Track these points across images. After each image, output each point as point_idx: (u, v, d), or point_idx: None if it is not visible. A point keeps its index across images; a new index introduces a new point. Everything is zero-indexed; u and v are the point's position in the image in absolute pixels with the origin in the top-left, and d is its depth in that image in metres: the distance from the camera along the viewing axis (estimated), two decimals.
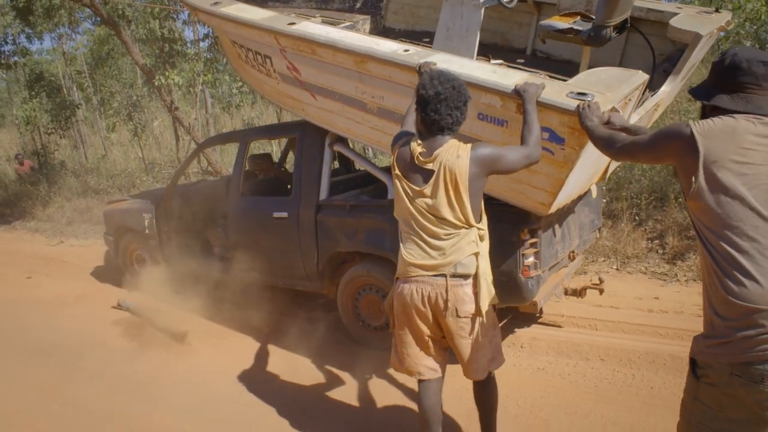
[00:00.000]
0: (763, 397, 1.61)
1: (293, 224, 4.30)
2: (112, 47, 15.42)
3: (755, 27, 7.10)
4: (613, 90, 2.64)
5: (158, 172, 11.54)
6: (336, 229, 4.10)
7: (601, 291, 4.30)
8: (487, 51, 4.35)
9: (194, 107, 13.20)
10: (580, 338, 4.06)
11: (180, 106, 11.06)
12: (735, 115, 1.71)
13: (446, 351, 2.67)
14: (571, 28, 3.36)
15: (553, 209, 3.15)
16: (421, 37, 4.67)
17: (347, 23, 4.94)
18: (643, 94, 3.10)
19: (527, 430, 3.11)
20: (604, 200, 5.43)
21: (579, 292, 4.26)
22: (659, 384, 3.43)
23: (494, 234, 2.70)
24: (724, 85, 1.80)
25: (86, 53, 17.05)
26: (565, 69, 3.82)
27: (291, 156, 5.59)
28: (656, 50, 3.59)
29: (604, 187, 5.08)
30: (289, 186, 5.04)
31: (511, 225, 3.33)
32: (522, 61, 4.36)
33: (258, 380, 3.91)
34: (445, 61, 2.97)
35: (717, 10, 3.82)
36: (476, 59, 3.47)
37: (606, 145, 2.17)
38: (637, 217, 5.96)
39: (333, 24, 4.39)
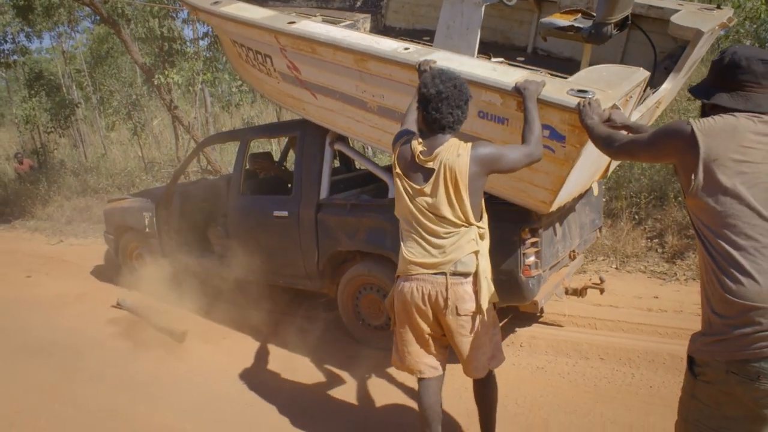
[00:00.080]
0: (760, 394, 1.62)
1: (294, 223, 4.30)
2: (111, 46, 15.41)
3: (755, 26, 7.10)
4: (614, 87, 2.63)
5: (158, 171, 11.54)
6: (336, 228, 4.10)
7: (602, 291, 4.30)
8: (487, 49, 4.35)
9: (194, 106, 13.20)
10: (579, 337, 4.06)
11: (179, 105, 11.06)
12: (735, 114, 1.71)
13: (446, 349, 2.67)
14: (572, 26, 3.37)
15: (554, 207, 3.15)
16: (422, 35, 4.67)
17: (347, 22, 4.94)
18: (644, 91, 3.10)
19: (526, 429, 3.12)
20: (604, 199, 5.42)
21: (580, 292, 4.27)
22: (658, 383, 3.44)
23: (495, 233, 2.71)
24: (724, 83, 1.80)
25: (85, 52, 17.04)
26: (566, 67, 3.82)
27: (291, 155, 5.59)
28: (657, 47, 3.58)
29: (603, 186, 5.07)
30: (289, 185, 5.04)
31: (512, 224, 3.32)
32: (522, 59, 4.36)
33: (258, 379, 3.92)
34: (445, 59, 2.96)
35: (719, 7, 3.81)
36: (477, 57, 3.47)
37: (605, 143, 2.17)
38: (636, 216, 5.97)
39: (333, 23, 4.39)
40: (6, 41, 13.89)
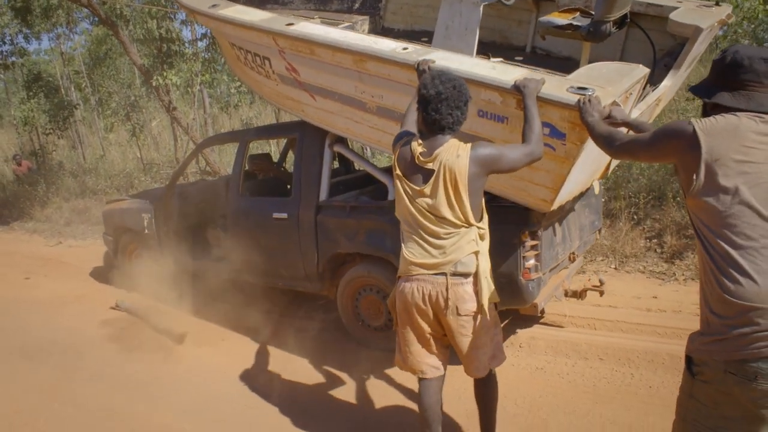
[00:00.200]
0: (757, 395, 1.62)
1: (293, 225, 4.30)
2: (110, 47, 15.40)
3: (753, 26, 7.12)
4: (613, 84, 2.63)
5: (156, 173, 11.53)
6: (336, 230, 4.10)
7: (602, 293, 4.30)
8: (486, 49, 4.35)
9: (192, 107, 13.19)
10: (578, 338, 4.07)
11: (178, 106, 11.04)
12: (737, 113, 1.71)
13: (448, 349, 2.68)
14: (571, 24, 3.37)
15: (555, 206, 3.14)
16: (420, 36, 4.67)
17: (346, 24, 4.94)
18: (644, 88, 3.10)
19: (526, 429, 3.12)
20: (603, 200, 5.43)
21: (579, 294, 4.26)
22: (658, 383, 3.44)
23: (495, 236, 2.71)
24: (726, 82, 1.80)
25: (84, 53, 17.02)
26: (565, 66, 3.82)
27: (290, 156, 5.59)
28: (656, 45, 3.59)
29: (602, 187, 5.08)
30: (288, 186, 5.04)
31: (511, 227, 3.32)
32: (520, 58, 4.37)
33: (258, 380, 3.92)
34: (444, 59, 2.96)
35: (717, 3, 3.81)
36: (475, 57, 3.47)
37: (606, 142, 2.16)
38: (635, 216, 5.98)
39: (332, 25, 4.39)
40: (4, 42, 13.88)
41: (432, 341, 2.62)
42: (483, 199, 2.55)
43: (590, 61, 3.26)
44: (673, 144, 1.77)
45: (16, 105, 16.54)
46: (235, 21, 3.91)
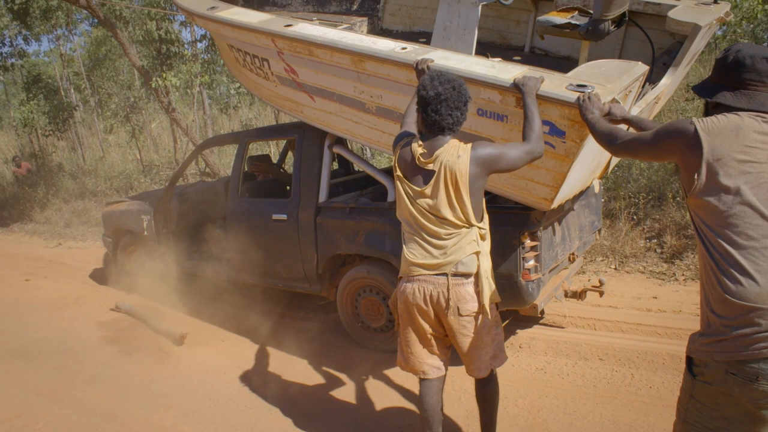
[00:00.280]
0: (758, 395, 1.62)
1: (292, 226, 4.30)
2: (109, 49, 15.40)
3: (752, 26, 7.13)
4: (613, 81, 2.63)
5: (156, 174, 11.54)
6: (335, 232, 4.09)
7: (602, 293, 4.30)
8: (485, 49, 4.36)
9: (192, 108, 13.20)
10: (578, 338, 4.06)
11: (178, 108, 11.05)
12: (739, 113, 1.71)
13: (449, 349, 2.69)
14: (569, 23, 3.37)
15: (555, 204, 3.14)
16: (419, 37, 4.68)
17: (344, 26, 4.94)
18: (643, 86, 3.10)
19: (526, 430, 3.11)
20: (602, 200, 5.43)
21: (579, 294, 4.27)
22: (658, 383, 3.43)
23: (494, 237, 2.71)
24: (727, 81, 1.79)
25: (83, 55, 17.03)
26: (564, 65, 3.82)
27: (290, 157, 5.58)
28: (655, 43, 3.59)
29: (602, 187, 5.08)
30: (288, 188, 5.03)
31: (511, 228, 3.32)
32: (519, 58, 4.37)
33: (257, 381, 3.91)
34: (443, 58, 2.96)
35: (716, 1, 3.81)
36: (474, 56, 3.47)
37: (607, 140, 2.15)
38: (635, 217, 5.97)
39: (330, 27, 4.39)
40: (4, 44, 13.90)
41: (433, 342, 2.62)
42: (484, 200, 2.55)
43: (589, 60, 3.25)
44: (675, 143, 1.77)
45: (15, 107, 16.57)
46: (233, 23, 3.91)
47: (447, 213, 2.43)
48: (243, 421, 3.45)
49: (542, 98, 2.58)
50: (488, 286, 2.50)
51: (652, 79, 3.46)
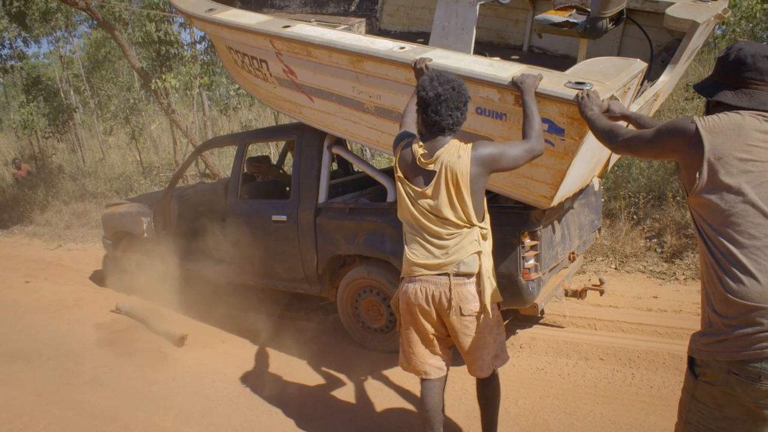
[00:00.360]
0: (761, 395, 1.61)
1: (292, 227, 4.29)
2: (109, 50, 15.41)
3: (751, 25, 7.13)
4: (611, 79, 2.62)
5: (156, 175, 11.54)
6: (335, 232, 4.09)
7: (602, 292, 4.30)
8: (483, 49, 4.35)
9: (192, 110, 13.20)
10: (579, 338, 4.06)
11: (177, 109, 11.06)
12: (741, 112, 1.70)
13: (451, 349, 2.69)
14: (567, 22, 3.37)
15: (555, 202, 3.13)
16: (417, 38, 4.67)
17: (343, 26, 4.94)
18: (642, 84, 3.09)
19: (527, 430, 3.11)
20: (602, 199, 5.43)
21: (580, 293, 4.26)
22: (659, 383, 3.43)
23: (494, 237, 2.70)
24: (728, 80, 1.79)
25: (83, 56, 17.03)
26: (563, 64, 3.82)
27: (289, 158, 5.58)
28: (653, 41, 3.59)
29: (602, 186, 5.08)
30: (287, 189, 5.03)
31: (511, 228, 3.31)
32: (517, 57, 4.37)
33: (258, 383, 3.91)
34: (441, 57, 2.95)
35: None
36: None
37: (608, 137, 2.14)
38: (635, 216, 5.97)
39: (328, 28, 4.39)
40: (3, 46, 13.92)
41: (435, 342, 2.62)
42: (485, 199, 2.55)
43: (587, 59, 3.25)
44: (676, 142, 1.76)
45: (15, 109, 16.57)
46: (231, 25, 3.90)
47: (448, 213, 2.43)
48: (243, 422, 3.45)
49: (541, 96, 2.57)
50: (490, 285, 2.51)
51: (651, 76, 3.46)
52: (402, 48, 3.14)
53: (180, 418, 3.55)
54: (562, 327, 4.30)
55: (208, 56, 11.23)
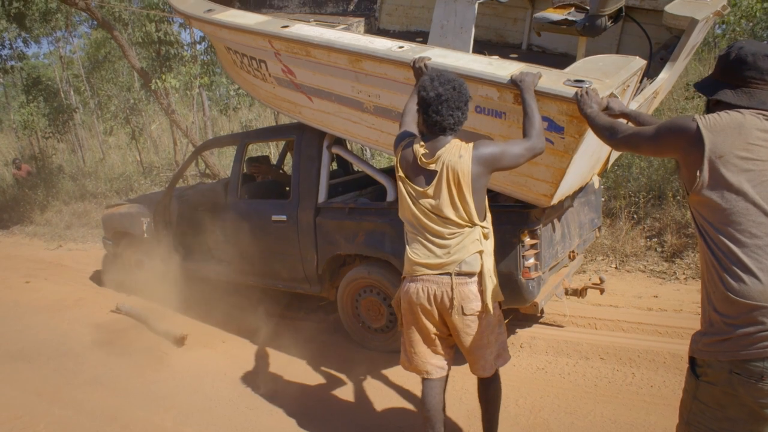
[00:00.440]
0: (763, 395, 1.61)
1: (292, 227, 4.29)
2: (108, 50, 15.41)
3: (751, 24, 7.12)
4: (611, 76, 2.62)
5: (156, 176, 11.54)
6: (335, 232, 4.09)
7: (602, 291, 4.30)
8: (482, 47, 4.35)
9: (192, 110, 13.20)
10: (579, 337, 4.05)
11: (177, 109, 11.05)
12: (742, 110, 1.70)
13: (452, 349, 2.69)
14: (566, 20, 3.37)
15: (555, 200, 3.13)
16: (416, 37, 4.67)
17: (341, 26, 4.94)
18: (641, 81, 3.09)
19: (528, 430, 3.11)
20: (603, 199, 5.43)
21: (580, 292, 4.26)
22: (659, 382, 3.43)
23: (494, 236, 2.70)
24: (729, 79, 1.79)
25: (83, 57, 17.04)
26: (562, 62, 3.82)
27: (289, 158, 5.58)
28: (652, 38, 3.58)
29: (602, 186, 5.07)
30: (287, 189, 5.03)
31: (511, 226, 3.31)
32: (516, 56, 4.37)
33: (258, 382, 3.91)
34: (440, 56, 2.95)
35: None
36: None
37: (608, 134, 2.14)
38: (635, 216, 5.96)
39: (327, 27, 4.39)
40: (3, 47, 13.92)
41: (437, 341, 2.62)
42: (486, 198, 2.55)
43: (586, 57, 3.25)
44: (677, 140, 1.76)
45: (15, 109, 16.57)
46: (230, 25, 3.90)
47: (450, 213, 2.43)
48: (243, 422, 3.45)
49: (540, 94, 2.57)
50: (491, 284, 2.51)
51: (650, 74, 3.45)
52: (401, 47, 3.13)
53: (180, 417, 3.55)
54: (563, 326, 4.30)
55: (208, 56, 11.23)
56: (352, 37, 3.41)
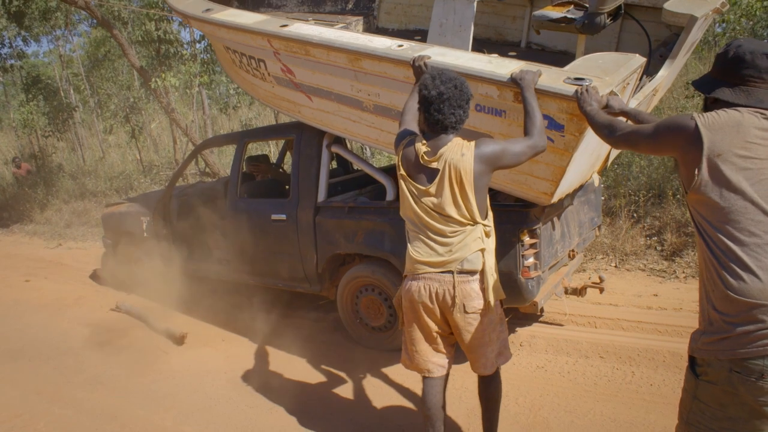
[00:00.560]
0: (763, 393, 1.61)
1: (292, 226, 4.29)
2: (108, 49, 15.40)
3: (751, 23, 7.11)
4: (610, 74, 2.62)
5: (156, 174, 11.53)
6: (335, 231, 4.09)
7: (602, 290, 4.29)
8: (481, 46, 4.35)
9: (191, 108, 13.20)
10: (579, 336, 4.06)
11: (177, 108, 11.04)
12: (740, 109, 1.70)
13: (453, 347, 2.69)
14: (565, 17, 3.37)
15: (555, 199, 3.13)
16: (415, 35, 4.67)
17: (340, 25, 4.94)
18: (640, 79, 3.09)
19: (527, 428, 3.11)
20: (602, 197, 5.43)
21: (579, 291, 4.26)
22: (659, 381, 3.43)
23: (494, 235, 2.70)
24: (727, 77, 1.78)
25: (83, 56, 17.03)
26: (561, 60, 3.82)
27: (288, 156, 5.57)
28: (652, 36, 3.58)
29: (602, 184, 5.07)
30: (287, 188, 5.03)
31: (510, 226, 3.31)
32: (514, 54, 4.37)
33: (258, 381, 3.91)
34: (440, 54, 2.95)
35: None
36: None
37: (607, 132, 2.14)
38: (635, 214, 5.96)
39: (326, 26, 4.39)
40: (3, 45, 13.90)
41: (439, 339, 2.62)
42: (488, 197, 2.55)
43: (586, 54, 3.24)
44: (675, 138, 1.76)
45: (15, 108, 16.56)
46: (229, 24, 3.89)
47: (452, 211, 2.44)
48: (243, 421, 3.45)
49: (540, 92, 2.57)
50: (493, 283, 2.51)
51: (650, 71, 3.45)
52: (400, 46, 3.13)
53: (180, 416, 3.55)
54: (562, 325, 4.30)
55: (208, 55, 11.21)
56: (351, 35, 3.40)
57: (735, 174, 1.64)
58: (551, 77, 2.61)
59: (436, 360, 2.63)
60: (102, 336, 4.88)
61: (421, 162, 2.47)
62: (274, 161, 6.11)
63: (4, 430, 3.56)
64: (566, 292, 4.23)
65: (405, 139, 2.60)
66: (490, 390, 2.72)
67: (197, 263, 5.19)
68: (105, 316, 5.35)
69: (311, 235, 4.20)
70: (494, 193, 3.39)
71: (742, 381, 1.62)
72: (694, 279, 4.96)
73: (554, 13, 3.42)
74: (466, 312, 2.49)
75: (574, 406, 3.27)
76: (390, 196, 3.93)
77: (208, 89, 13.78)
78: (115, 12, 10.34)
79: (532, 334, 4.15)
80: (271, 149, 10.15)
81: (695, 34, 3.55)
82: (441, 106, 2.39)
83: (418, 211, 2.50)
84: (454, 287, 2.47)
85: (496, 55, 3.12)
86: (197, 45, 12.03)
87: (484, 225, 2.51)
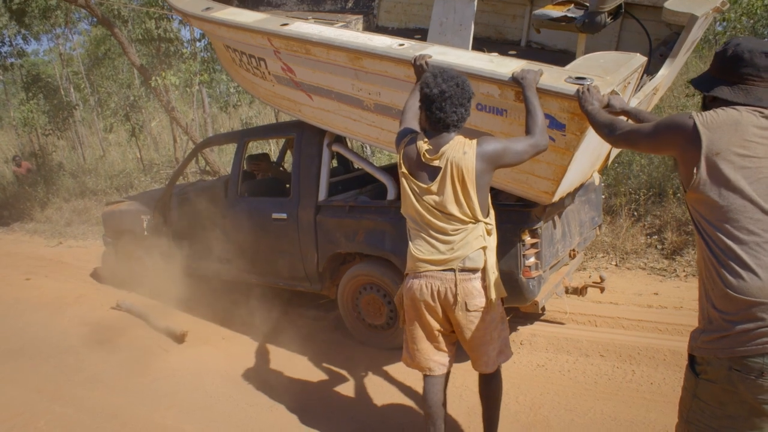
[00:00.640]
0: (762, 391, 1.61)
1: (292, 225, 4.29)
2: (108, 48, 15.39)
3: (752, 21, 7.11)
4: (611, 73, 2.62)
5: (156, 173, 11.54)
6: (335, 230, 4.09)
7: (602, 289, 4.29)
8: (481, 45, 4.35)
9: (192, 107, 13.19)
10: (579, 334, 4.06)
11: (177, 106, 11.04)
12: (738, 107, 1.70)
13: (455, 345, 2.69)
14: (565, 16, 3.37)
15: (556, 198, 3.13)
16: (415, 34, 4.66)
17: (340, 24, 4.93)
18: (641, 78, 3.09)
19: (527, 427, 3.11)
20: (603, 196, 5.42)
21: (580, 291, 4.26)
22: (659, 379, 3.43)
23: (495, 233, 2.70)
24: (726, 75, 1.78)
25: (83, 54, 17.01)
26: (561, 59, 3.82)
27: (289, 155, 5.57)
28: (652, 35, 3.58)
29: (602, 183, 5.07)
30: (287, 186, 5.03)
31: (511, 225, 3.31)
32: (514, 52, 4.36)
33: (259, 380, 3.91)
34: (440, 53, 2.95)
35: None
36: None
37: (607, 131, 2.14)
38: (635, 213, 5.96)
39: (326, 25, 4.38)
40: (3, 44, 13.88)
41: (440, 338, 2.62)
42: (489, 195, 2.55)
43: (586, 53, 3.24)
44: (674, 137, 1.76)
45: (15, 106, 16.55)
46: (229, 23, 3.89)
47: (453, 209, 2.44)
48: (244, 419, 3.45)
49: (541, 91, 2.57)
50: (495, 281, 2.51)
51: (650, 70, 3.45)
52: (401, 45, 3.12)
53: (180, 414, 3.56)
54: (563, 324, 4.30)
55: (208, 53, 11.21)
56: (351, 34, 3.40)
57: (734, 172, 1.64)
58: (552, 76, 2.61)
59: (437, 358, 2.63)
60: (102, 334, 4.88)
61: (423, 160, 2.47)
62: (275, 160, 6.11)
63: (5, 428, 3.57)
64: (567, 291, 4.23)
65: (406, 137, 2.60)
66: (490, 388, 2.72)
67: (197, 262, 5.19)
68: (105, 315, 5.35)
69: (312, 234, 4.20)
70: (495, 193, 3.39)
71: (741, 379, 1.62)
72: (695, 277, 4.96)
73: (554, 11, 3.42)
74: (467, 310, 2.49)
75: (575, 404, 3.27)
76: (391, 195, 3.93)
77: (208, 88, 13.78)
78: (115, 10, 10.33)
79: (532, 333, 4.15)
80: (272, 148, 10.15)
81: (696, 33, 3.55)
82: (443, 104, 2.39)
83: (420, 209, 2.50)
84: (455, 285, 2.47)
85: (496, 54, 3.12)
86: (197, 43, 12.04)
87: (486, 223, 2.52)
